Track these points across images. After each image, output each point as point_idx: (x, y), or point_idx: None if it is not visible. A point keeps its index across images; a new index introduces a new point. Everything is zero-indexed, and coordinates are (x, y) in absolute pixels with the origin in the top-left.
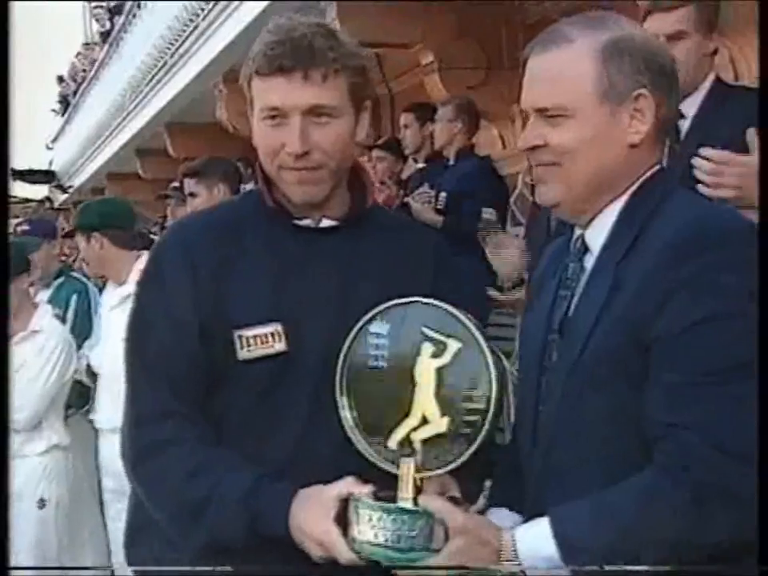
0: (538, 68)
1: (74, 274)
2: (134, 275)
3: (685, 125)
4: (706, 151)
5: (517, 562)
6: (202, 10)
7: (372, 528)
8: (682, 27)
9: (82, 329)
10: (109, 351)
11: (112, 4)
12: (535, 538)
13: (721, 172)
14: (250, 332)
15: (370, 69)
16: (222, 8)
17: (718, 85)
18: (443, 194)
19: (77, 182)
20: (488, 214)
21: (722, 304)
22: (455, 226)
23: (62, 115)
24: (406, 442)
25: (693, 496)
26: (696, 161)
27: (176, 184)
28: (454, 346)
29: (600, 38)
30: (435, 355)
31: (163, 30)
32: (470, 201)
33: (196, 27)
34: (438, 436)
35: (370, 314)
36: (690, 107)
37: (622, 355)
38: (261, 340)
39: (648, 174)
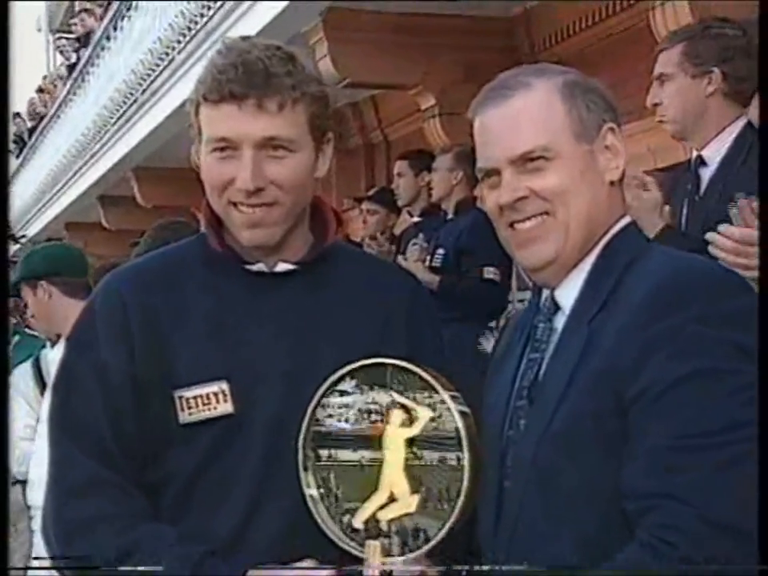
0: (503, 118)
1: (30, 332)
2: None
3: (706, 174)
4: (727, 228)
5: None
6: (179, 42)
7: None
8: (664, 70)
9: None
10: None
11: (78, 35)
12: None
13: (743, 252)
14: (190, 392)
15: (331, 97)
16: (200, 42)
17: (749, 130)
18: (440, 251)
19: (31, 231)
20: (491, 273)
21: (707, 360)
22: (453, 287)
23: (17, 157)
24: (373, 521)
25: (681, 574)
26: (714, 237)
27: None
28: (425, 415)
29: (555, 78)
30: (404, 424)
31: (134, 65)
32: (470, 259)
33: (171, 61)
34: (408, 515)
35: (332, 377)
36: (715, 154)
37: (599, 418)
38: (202, 401)
39: (618, 226)
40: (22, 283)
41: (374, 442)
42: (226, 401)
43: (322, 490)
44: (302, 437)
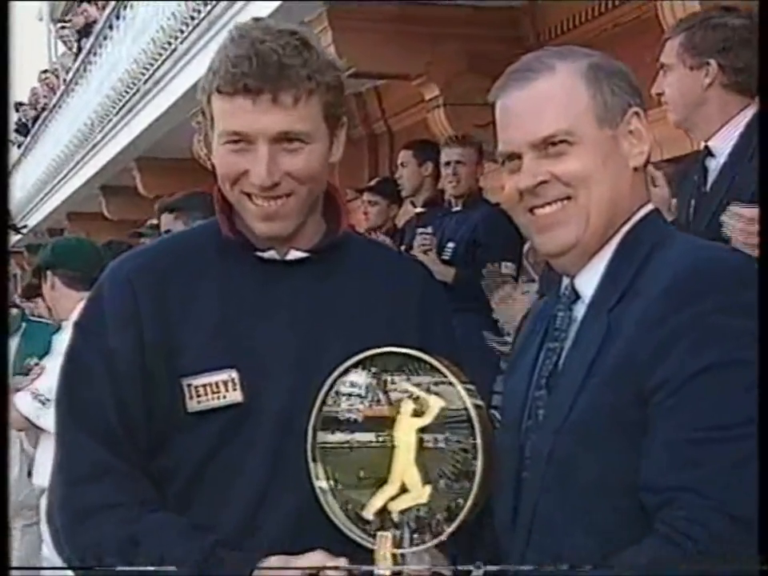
0: (525, 101)
1: (36, 319)
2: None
3: (714, 165)
4: (736, 207)
5: None
6: (181, 32)
7: None
8: (665, 60)
9: None
10: None
11: (80, 24)
12: None
13: (753, 232)
14: (199, 380)
15: (345, 82)
16: (203, 31)
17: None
18: (451, 244)
19: (32, 221)
20: (508, 268)
21: (727, 352)
22: (471, 281)
23: (18, 147)
24: (384, 512)
25: (702, 569)
26: (725, 218)
27: (153, 221)
28: (436, 404)
29: (580, 62)
30: (416, 414)
31: (137, 54)
32: (485, 253)
33: (174, 51)
34: (419, 507)
35: (344, 366)
36: (722, 146)
37: (618, 409)
38: (212, 389)
39: (641, 213)
40: (39, 270)
41: (384, 432)
42: (235, 389)
43: (331, 482)
44: (311, 427)
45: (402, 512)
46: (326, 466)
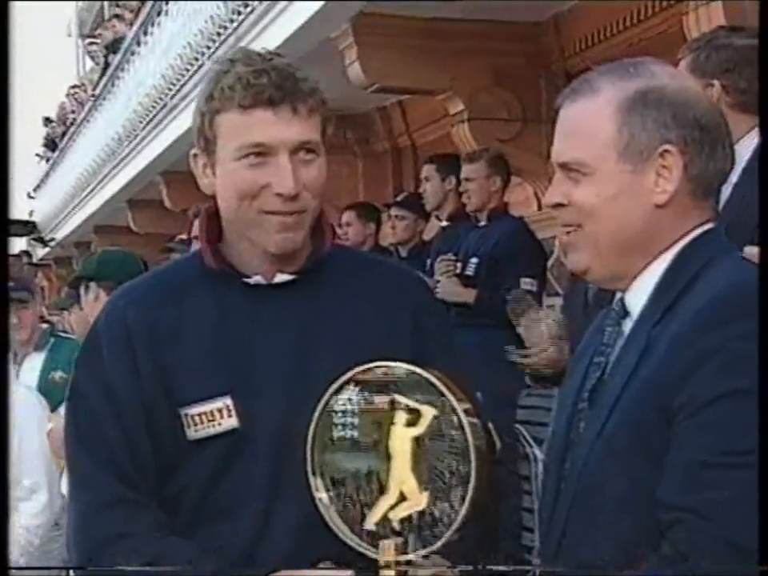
0: (563, 120)
1: (63, 335)
2: None
3: (725, 187)
4: (752, 250)
5: None
6: (208, 48)
7: None
8: None
9: None
10: None
11: (108, 40)
12: None
13: None
14: (195, 409)
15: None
16: (230, 47)
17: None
18: (474, 260)
19: (60, 234)
20: (528, 284)
21: (749, 379)
22: (490, 300)
23: (47, 161)
24: (385, 521)
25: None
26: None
27: (182, 236)
28: (429, 413)
29: (626, 88)
30: (410, 424)
31: (164, 69)
32: (506, 268)
33: (201, 67)
34: (419, 514)
35: (337, 383)
36: (737, 162)
37: (646, 425)
38: (207, 417)
39: (694, 234)
40: (80, 280)
41: (380, 444)
42: (230, 416)
43: (332, 494)
44: (309, 444)
45: (403, 520)
46: (326, 480)
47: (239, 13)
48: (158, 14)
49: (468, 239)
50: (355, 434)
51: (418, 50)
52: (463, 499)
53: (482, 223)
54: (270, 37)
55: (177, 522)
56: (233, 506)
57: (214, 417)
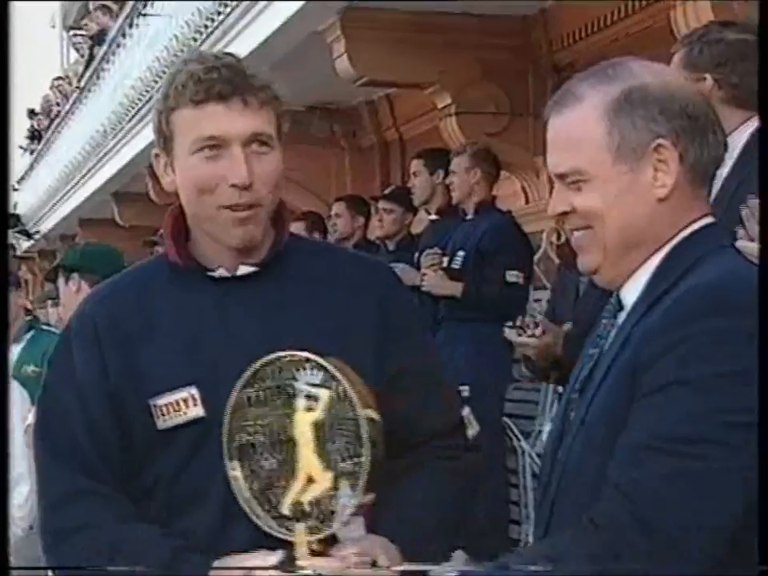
0: (553, 132)
1: (45, 327)
2: None
3: (716, 180)
4: (744, 244)
5: None
6: (194, 40)
7: None
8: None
9: None
10: None
11: (93, 31)
12: None
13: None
14: (162, 400)
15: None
16: (216, 40)
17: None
18: (461, 253)
19: (44, 227)
20: (513, 276)
21: (705, 369)
22: (477, 293)
23: (31, 153)
24: (297, 504)
25: (591, 556)
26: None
27: None
28: (324, 396)
29: (610, 91)
30: (309, 409)
31: (150, 62)
32: (492, 261)
33: None
34: (326, 494)
35: (245, 375)
36: (727, 156)
37: (618, 413)
38: (173, 407)
39: (692, 228)
40: (59, 270)
41: (287, 430)
42: (196, 405)
43: (249, 482)
44: (225, 431)
45: (313, 502)
46: (243, 470)
47: (226, 5)
48: (144, 6)
49: (456, 233)
50: (265, 422)
51: (405, 44)
52: (362, 465)
53: (469, 217)
54: (257, 29)
55: (153, 512)
56: (198, 496)
57: (180, 406)
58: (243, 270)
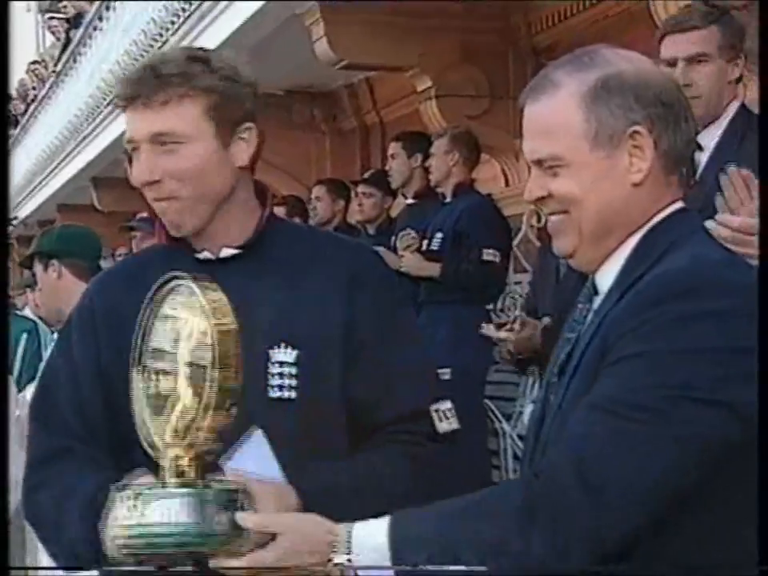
0: (529, 118)
1: (20, 313)
2: None
3: (703, 158)
4: (723, 217)
5: (347, 555)
6: (173, 23)
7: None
8: (703, 50)
9: (31, 370)
10: None
11: (70, 15)
12: (370, 529)
13: (741, 241)
14: None
15: (245, 93)
16: (194, 23)
17: (743, 113)
18: (439, 234)
19: (21, 213)
20: (490, 255)
21: (660, 345)
22: (455, 273)
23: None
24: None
25: (525, 508)
26: (711, 225)
27: (143, 214)
28: (198, 327)
29: (586, 79)
30: (188, 338)
31: (128, 45)
32: (469, 242)
33: (165, 43)
34: (193, 415)
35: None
36: (710, 138)
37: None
38: None
39: (665, 212)
40: (35, 257)
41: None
42: None
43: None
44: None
45: (186, 428)
46: (148, 390)
47: None
48: None
49: (434, 216)
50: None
51: (385, 27)
52: (213, 381)
53: (448, 200)
54: (236, 13)
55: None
56: None
57: None
58: (226, 252)
